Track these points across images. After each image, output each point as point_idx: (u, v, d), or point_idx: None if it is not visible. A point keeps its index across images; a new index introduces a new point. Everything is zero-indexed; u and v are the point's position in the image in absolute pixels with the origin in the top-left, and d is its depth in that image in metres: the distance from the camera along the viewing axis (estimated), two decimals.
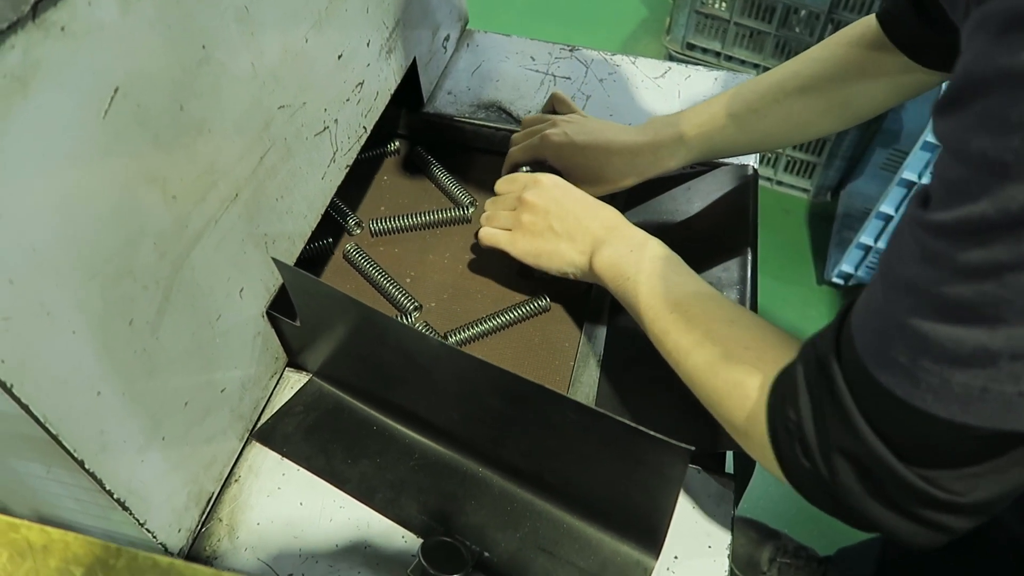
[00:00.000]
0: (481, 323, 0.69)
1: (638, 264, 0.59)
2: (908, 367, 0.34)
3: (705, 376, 0.51)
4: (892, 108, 1.84)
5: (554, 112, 0.83)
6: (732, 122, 0.71)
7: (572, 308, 0.72)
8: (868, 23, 0.67)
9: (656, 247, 0.60)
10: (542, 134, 0.74)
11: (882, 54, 0.65)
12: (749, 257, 0.76)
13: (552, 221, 0.65)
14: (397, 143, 0.88)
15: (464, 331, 0.68)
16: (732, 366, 0.49)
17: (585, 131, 0.74)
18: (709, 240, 0.80)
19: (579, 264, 0.64)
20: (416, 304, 0.71)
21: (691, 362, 0.52)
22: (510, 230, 0.69)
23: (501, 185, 0.72)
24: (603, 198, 0.69)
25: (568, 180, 0.70)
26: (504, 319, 0.70)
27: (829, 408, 0.40)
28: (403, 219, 0.78)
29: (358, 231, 0.79)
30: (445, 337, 0.68)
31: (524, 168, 0.76)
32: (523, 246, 0.67)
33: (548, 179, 0.68)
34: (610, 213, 0.65)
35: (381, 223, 0.78)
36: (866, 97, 0.68)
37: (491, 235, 0.69)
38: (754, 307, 0.73)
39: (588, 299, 0.72)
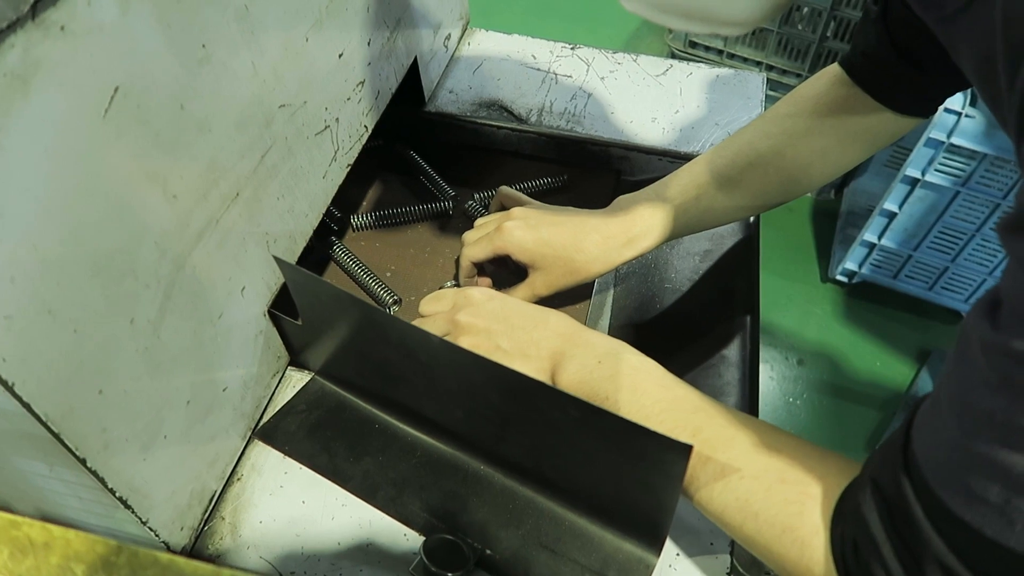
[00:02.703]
0: None
1: (614, 379, 0.52)
2: (1000, 506, 0.31)
3: (741, 518, 0.46)
4: None
5: (503, 209, 0.73)
6: (707, 191, 0.65)
7: (573, 308, 0.72)
8: (830, 81, 0.65)
9: (630, 356, 0.54)
10: (499, 226, 0.66)
11: (845, 116, 0.63)
12: (752, 254, 0.76)
13: (498, 340, 0.57)
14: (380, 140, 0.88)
15: None
16: (773, 507, 0.44)
17: (547, 220, 0.66)
18: (710, 237, 0.80)
19: None
20: (396, 298, 0.71)
21: (719, 501, 0.47)
22: None
23: (426, 305, 0.64)
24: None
25: (535, 274, 0.66)
26: None
27: (929, 566, 0.35)
28: (384, 213, 0.79)
29: (339, 226, 0.79)
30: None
31: (449, 283, 0.73)
32: None
33: (479, 293, 0.61)
34: (559, 320, 0.58)
35: (362, 218, 0.78)
36: (830, 161, 0.65)
37: None
38: (755, 317, 0.73)
39: (589, 298, 0.72)
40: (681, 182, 0.67)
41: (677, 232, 0.67)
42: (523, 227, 0.65)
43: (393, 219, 0.79)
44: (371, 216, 0.78)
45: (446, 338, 0.57)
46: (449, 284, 0.73)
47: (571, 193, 0.83)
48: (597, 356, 0.54)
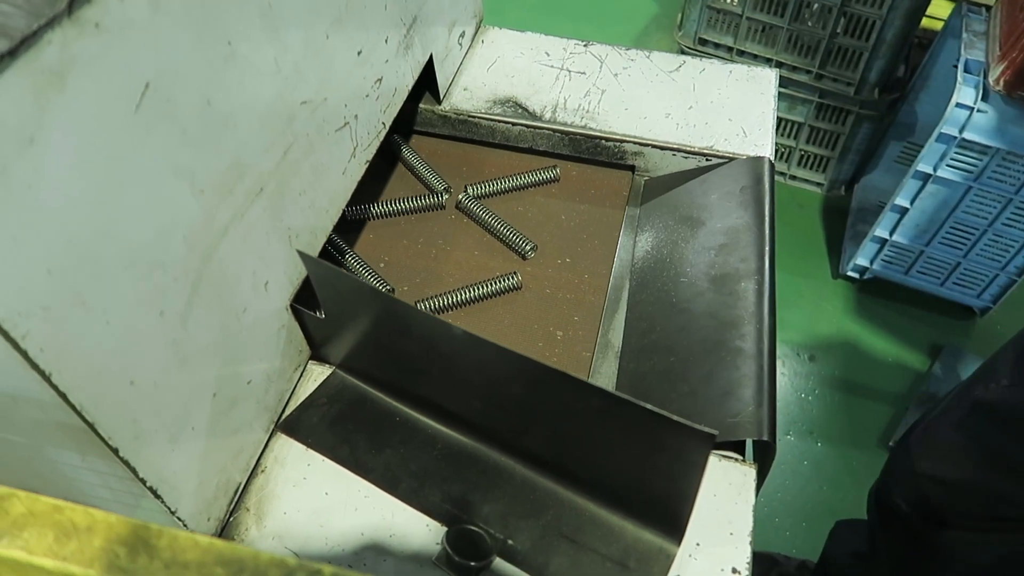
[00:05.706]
0: (451, 295, 0.71)
1: None
2: None
3: None
4: (906, 100, 1.83)
5: None
6: None
7: (590, 299, 0.73)
8: None
9: None
10: None
11: None
12: (767, 248, 0.76)
13: None
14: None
15: (434, 300, 0.71)
16: None
17: None
18: (726, 232, 0.80)
19: None
20: (388, 288, 0.72)
21: None
22: None
23: None
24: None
25: None
26: (474, 293, 0.72)
27: None
28: (378, 205, 0.79)
29: None
30: (416, 305, 0.71)
31: None
32: None
33: None
34: None
35: (356, 209, 0.79)
36: None
37: None
38: (772, 299, 0.73)
39: (605, 293, 0.72)
40: None
41: None
42: None
43: (387, 211, 0.80)
44: (365, 208, 0.79)
45: None
46: None
47: (585, 190, 0.84)
48: None
